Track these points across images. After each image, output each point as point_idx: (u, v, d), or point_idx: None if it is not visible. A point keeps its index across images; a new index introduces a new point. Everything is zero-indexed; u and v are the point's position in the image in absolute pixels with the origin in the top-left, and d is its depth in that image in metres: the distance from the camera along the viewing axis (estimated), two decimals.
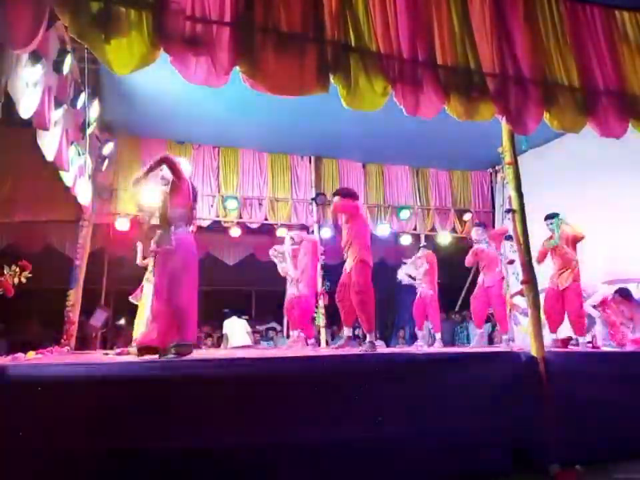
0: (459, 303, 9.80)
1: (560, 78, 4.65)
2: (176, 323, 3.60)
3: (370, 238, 5.07)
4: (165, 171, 3.92)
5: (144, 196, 6.82)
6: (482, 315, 6.56)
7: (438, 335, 6.75)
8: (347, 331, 5.23)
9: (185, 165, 4.15)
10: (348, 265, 4.93)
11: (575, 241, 5.52)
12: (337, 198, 5.15)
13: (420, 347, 6.30)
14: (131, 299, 6.20)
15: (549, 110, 4.52)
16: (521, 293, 5.24)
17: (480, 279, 6.58)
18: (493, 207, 9.21)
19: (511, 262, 5.49)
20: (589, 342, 5.74)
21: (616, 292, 5.78)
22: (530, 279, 4.22)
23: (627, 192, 6.38)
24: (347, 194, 5.16)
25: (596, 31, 4.89)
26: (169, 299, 3.60)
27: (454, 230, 9.09)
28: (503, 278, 6.20)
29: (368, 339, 4.67)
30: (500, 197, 8.62)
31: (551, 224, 5.64)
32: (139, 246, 6.29)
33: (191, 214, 3.94)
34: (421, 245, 7.47)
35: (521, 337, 6.99)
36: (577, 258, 5.50)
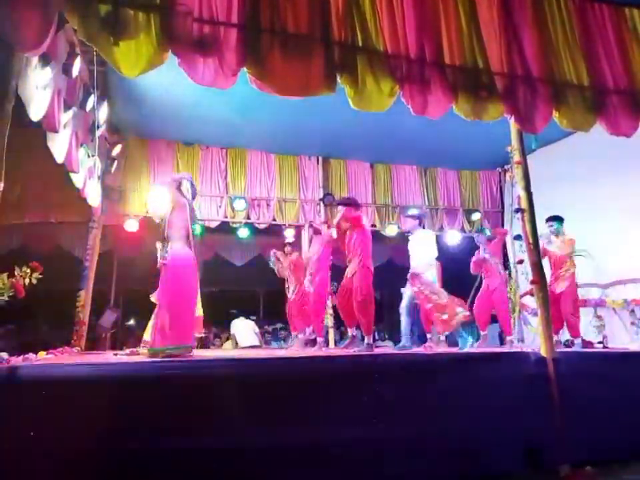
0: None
1: (569, 76, 4.61)
2: (171, 327, 3.89)
3: (371, 245, 5.21)
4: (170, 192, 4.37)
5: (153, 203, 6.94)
6: (484, 317, 6.48)
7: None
8: (351, 331, 5.37)
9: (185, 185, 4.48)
10: (350, 271, 5.13)
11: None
12: (340, 208, 5.37)
13: (429, 348, 6.24)
14: (152, 297, 6.22)
15: (558, 109, 4.48)
16: (530, 293, 5.19)
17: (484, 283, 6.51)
18: (502, 207, 9.15)
19: (520, 262, 5.45)
20: (599, 342, 5.69)
21: None
22: (539, 279, 4.19)
23: (637, 191, 6.31)
24: (348, 203, 5.37)
25: (605, 28, 4.84)
26: (167, 307, 3.98)
27: (462, 230, 9.04)
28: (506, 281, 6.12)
29: (366, 340, 4.90)
30: (509, 197, 8.56)
31: (552, 226, 5.66)
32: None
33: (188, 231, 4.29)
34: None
35: (531, 337, 6.94)
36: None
